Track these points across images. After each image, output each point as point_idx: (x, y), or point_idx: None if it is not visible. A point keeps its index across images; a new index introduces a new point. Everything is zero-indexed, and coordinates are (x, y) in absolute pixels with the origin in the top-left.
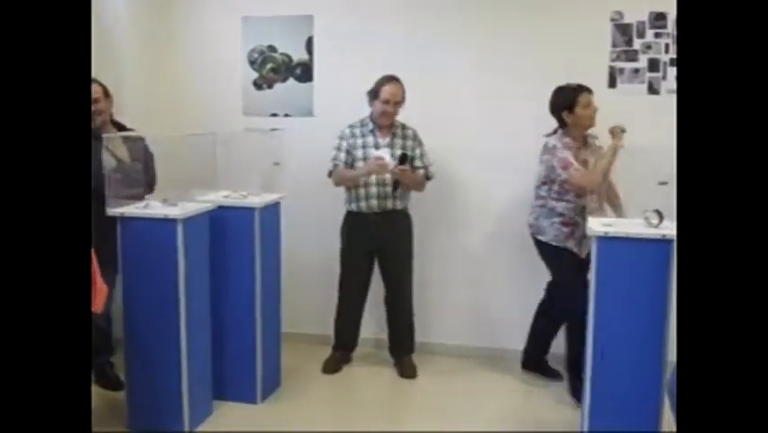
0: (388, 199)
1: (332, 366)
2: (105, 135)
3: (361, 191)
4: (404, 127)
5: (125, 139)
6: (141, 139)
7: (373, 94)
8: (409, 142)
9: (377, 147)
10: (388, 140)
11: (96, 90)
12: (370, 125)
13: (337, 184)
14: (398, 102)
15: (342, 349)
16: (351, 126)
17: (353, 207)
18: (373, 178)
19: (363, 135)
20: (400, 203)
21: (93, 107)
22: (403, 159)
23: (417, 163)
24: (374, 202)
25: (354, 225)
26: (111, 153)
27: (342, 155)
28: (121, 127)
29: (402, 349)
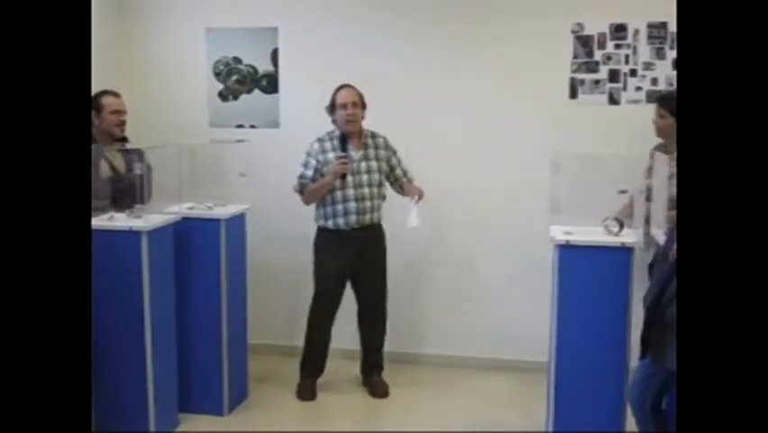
0: (366, 214)
1: (309, 393)
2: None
3: (339, 207)
4: (374, 136)
5: (123, 150)
6: (140, 151)
7: (331, 106)
8: (382, 152)
9: (353, 160)
10: (361, 152)
11: (121, 103)
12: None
13: (308, 203)
14: (357, 103)
15: (312, 375)
16: (319, 140)
17: (329, 223)
18: (351, 193)
19: (335, 149)
20: (377, 216)
21: (123, 118)
22: None
23: (398, 172)
24: (353, 218)
25: (330, 243)
26: (108, 162)
27: (310, 173)
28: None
29: (374, 369)
